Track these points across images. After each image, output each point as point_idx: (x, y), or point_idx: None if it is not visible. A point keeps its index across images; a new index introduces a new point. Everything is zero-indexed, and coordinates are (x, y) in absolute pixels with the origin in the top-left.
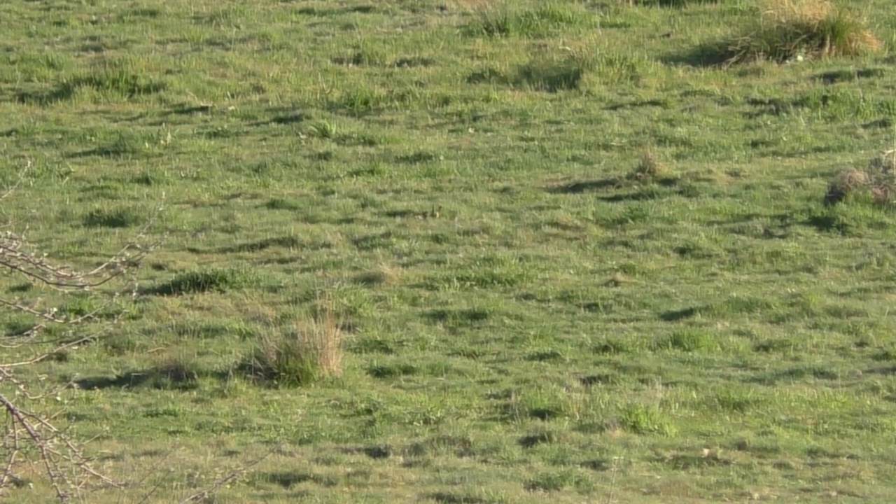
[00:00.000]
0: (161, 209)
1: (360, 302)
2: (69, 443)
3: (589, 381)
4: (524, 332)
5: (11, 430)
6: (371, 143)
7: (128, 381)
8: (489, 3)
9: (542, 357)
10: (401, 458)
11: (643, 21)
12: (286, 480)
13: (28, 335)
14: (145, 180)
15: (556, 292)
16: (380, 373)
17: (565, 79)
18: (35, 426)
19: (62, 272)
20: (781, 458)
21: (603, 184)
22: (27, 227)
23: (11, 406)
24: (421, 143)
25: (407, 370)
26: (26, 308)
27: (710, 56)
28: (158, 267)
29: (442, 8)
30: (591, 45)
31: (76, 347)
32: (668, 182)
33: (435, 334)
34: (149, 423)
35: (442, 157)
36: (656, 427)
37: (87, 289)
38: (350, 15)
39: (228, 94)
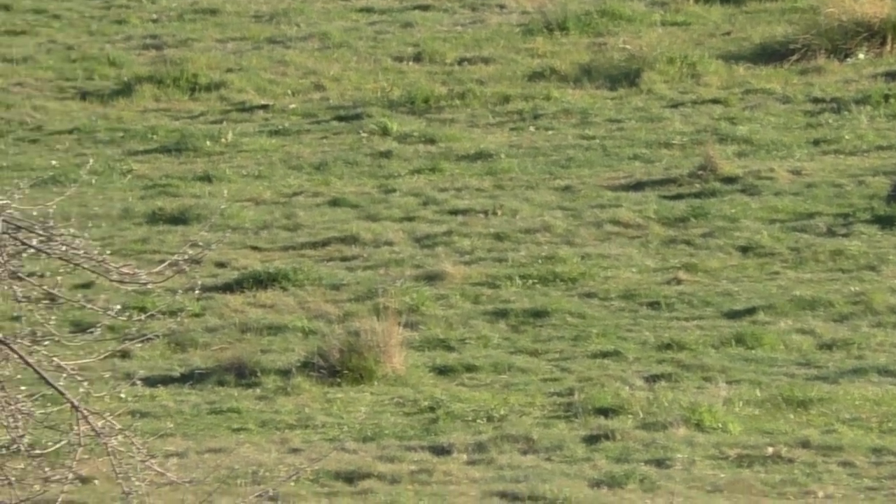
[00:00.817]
0: (223, 207)
1: (422, 300)
2: (133, 440)
3: (652, 379)
4: (587, 330)
5: (76, 427)
6: (432, 141)
7: (191, 378)
8: (549, 2)
9: (604, 355)
10: (464, 456)
11: (703, 19)
12: (350, 478)
13: (92, 332)
14: (207, 178)
15: (619, 290)
16: (442, 371)
17: (626, 77)
18: (99, 423)
19: (125, 270)
20: (846, 456)
21: (664, 182)
22: (90, 224)
23: (76, 403)
24: (482, 142)
25: (470, 368)
26: (90, 305)
27: (770, 54)
28: (221, 265)
29: (502, 6)
30: (651, 43)
31: (140, 345)
32: (729, 180)
33: (497, 332)
34: (213, 421)
35: (503, 156)
36: (720, 425)
37: (149, 286)
38: (410, 13)
39: (289, 92)
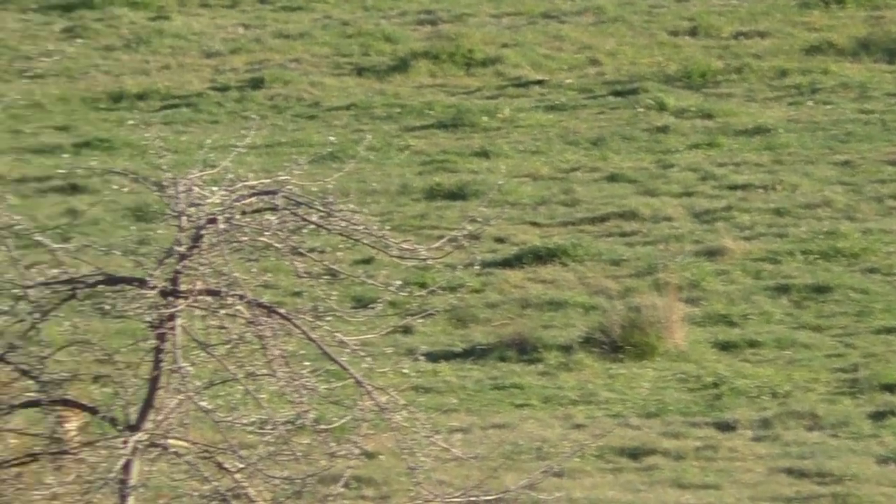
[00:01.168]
0: (501, 183)
1: (702, 275)
2: (417, 415)
3: None
4: (870, 305)
5: (360, 403)
6: (709, 116)
7: (473, 353)
8: None
9: (889, 331)
10: (749, 433)
11: None
12: (635, 454)
13: (373, 308)
14: (484, 154)
15: None
16: (725, 346)
17: None
18: (383, 399)
19: (405, 245)
20: None
21: None
22: (369, 200)
23: (360, 379)
24: (759, 116)
25: (752, 344)
26: (371, 281)
27: None
28: (500, 240)
29: None
30: None
31: (421, 320)
32: None
33: (779, 308)
34: (495, 396)
35: (781, 130)
36: None
37: (429, 262)
38: None
39: (564, 67)
